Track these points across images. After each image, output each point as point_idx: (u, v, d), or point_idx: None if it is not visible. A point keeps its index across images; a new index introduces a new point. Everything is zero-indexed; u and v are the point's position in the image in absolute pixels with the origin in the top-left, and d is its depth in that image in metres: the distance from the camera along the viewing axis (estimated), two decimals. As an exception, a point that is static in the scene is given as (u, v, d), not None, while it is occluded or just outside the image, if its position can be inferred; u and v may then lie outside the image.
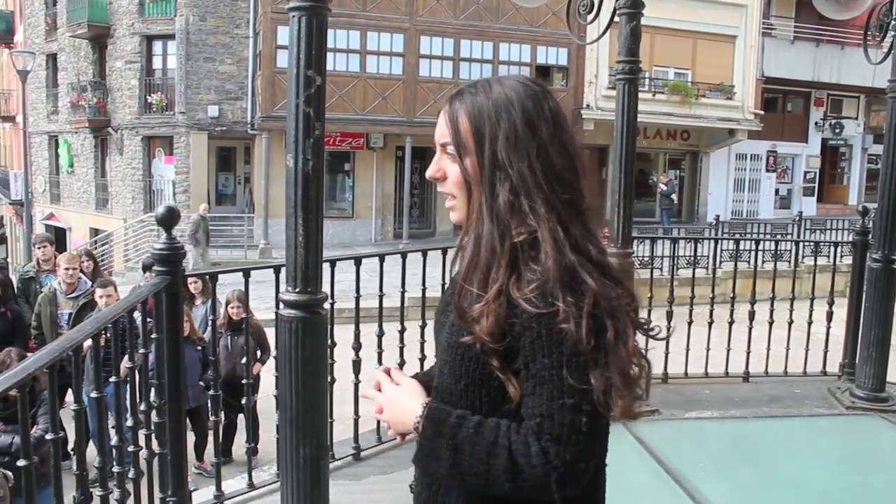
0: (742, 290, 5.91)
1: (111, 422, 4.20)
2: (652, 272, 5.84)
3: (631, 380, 1.35)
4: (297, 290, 2.80)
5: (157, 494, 3.22)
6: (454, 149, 1.44)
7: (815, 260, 6.24)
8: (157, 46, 22.55)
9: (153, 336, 3.14)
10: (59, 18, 25.05)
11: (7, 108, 34.70)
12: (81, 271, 7.36)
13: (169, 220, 3.12)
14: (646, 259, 8.67)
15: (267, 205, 19.79)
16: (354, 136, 21.36)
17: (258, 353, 6.86)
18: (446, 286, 1.63)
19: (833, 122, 28.25)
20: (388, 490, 3.96)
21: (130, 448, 2.97)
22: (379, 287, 4.26)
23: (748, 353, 5.83)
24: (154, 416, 3.17)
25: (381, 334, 4.28)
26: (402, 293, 4.43)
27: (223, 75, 21.63)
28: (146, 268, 7.89)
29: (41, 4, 26.74)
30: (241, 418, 6.67)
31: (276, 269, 3.68)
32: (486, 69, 21.02)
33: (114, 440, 2.80)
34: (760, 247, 6.44)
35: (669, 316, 5.63)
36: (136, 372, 3.06)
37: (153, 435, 3.20)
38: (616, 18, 4.71)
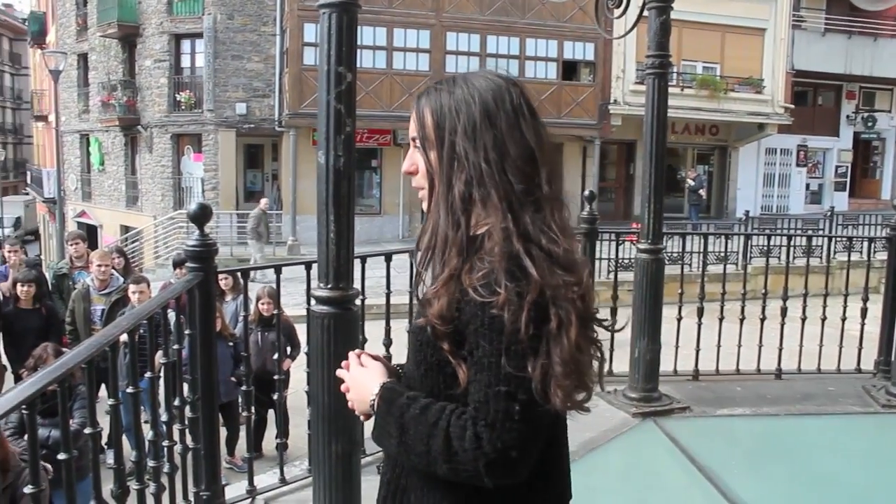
0: (773, 287, 5.84)
1: (144, 417, 4.26)
2: (682, 268, 5.77)
3: (574, 369, 1.35)
4: (329, 286, 2.81)
5: (191, 488, 3.26)
6: (419, 143, 1.51)
7: (849, 255, 6.17)
8: (186, 45, 22.75)
9: (186, 332, 3.17)
10: (90, 19, 25.37)
11: (40, 108, 35.29)
12: (113, 268, 7.45)
13: (201, 217, 3.15)
14: (675, 255, 8.61)
15: (295, 201, 19.88)
16: (381, 132, 21.40)
17: (288, 348, 6.90)
18: None
19: (865, 115, 27.80)
20: (418, 486, 3.96)
21: (165, 443, 3.00)
22: (409, 283, 4.27)
23: (780, 350, 5.76)
24: (188, 412, 3.20)
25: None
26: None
27: (251, 73, 21.77)
28: (176, 264, 7.96)
29: (72, 5, 27.10)
30: (271, 414, 6.72)
31: (308, 266, 3.69)
32: (512, 65, 20.95)
33: (149, 435, 2.84)
34: (792, 242, 6.35)
35: (700, 312, 5.59)
36: (171, 367, 3.10)
37: (187, 430, 3.24)
38: (645, 13, 4.67)
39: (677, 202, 23.80)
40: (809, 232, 15.77)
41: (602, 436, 4.53)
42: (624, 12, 4.76)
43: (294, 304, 8.03)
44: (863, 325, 5.86)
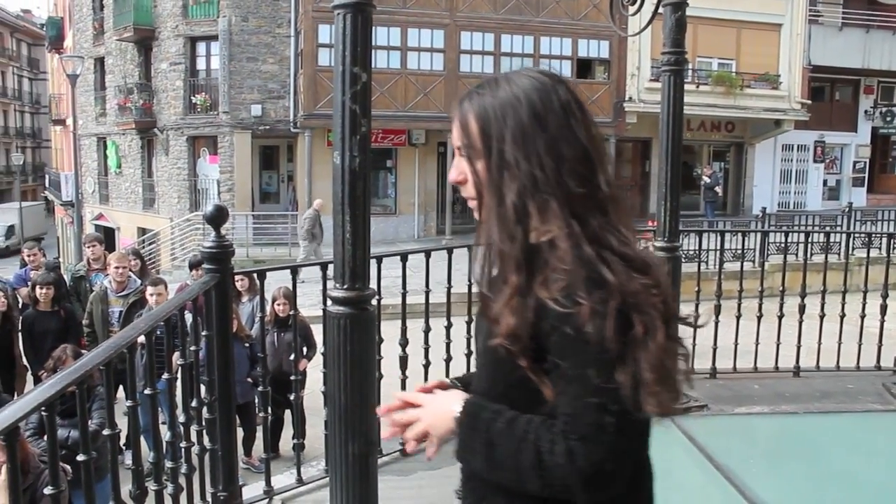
0: (791, 284, 5.80)
1: (161, 418, 4.28)
2: (699, 266, 5.74)
3: (664, 374, 1.31)
4: (346, 286, 2.81)
5: (209, 489, 3.28)
6: (465, 152, 1.43)
7: (868, 252, 6.10)
8: (201, 47, 22.88)
9: (203, 333, 3.18)
10: (106, 23, 25.57)
11: (58, 112, 35.59)
12: (130, 270, 7.50)
13: (218, 218, 3.17)
14: (691, 252, 8.56)
15: (310, 202, 19.92)
16: (396, 132, 21.43)
17: (304, 349, 6.92)
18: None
19: (884, 110, 27.57)
20: (436, 486, 3.96)
21: (183, 444, 3.02)
22: (425, 283, 4.27)
23: (798, 348, 5.72)
24: (205, 412, 3.21)
25: (427, 330, 4.29)
26: (448, 289, 4.43)
27: (265, 75, 21.86)
28: (192, 266, 8.00)
29: (89, 10, 27.31)
30: (287, 414, 6.74)
31: (324, 267, 3.70)
32: (527, 63, 20.77)
33: (167, 436, 2.85)
34: (810, 239, 6.31)
35: (717, 310, 5.56)
36: (188, 369, 3.11)
37: (204, 431, 3.25)
38: (660, 10, 4.65)
39: (693, 199, 23.66)
40: (827, 228, 15.66)
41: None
42: (639, 9, 4.73)
43: (309, 305, 8.06)
44: (882, 322, 5.81)
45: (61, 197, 31.43)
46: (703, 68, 23.05)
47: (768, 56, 23.75)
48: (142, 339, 2.57)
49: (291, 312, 4.23)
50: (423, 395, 1.50)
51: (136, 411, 2.42)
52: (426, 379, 4.30)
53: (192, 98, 22.54)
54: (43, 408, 1.79)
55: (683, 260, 5.19)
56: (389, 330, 4.16)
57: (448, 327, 4.41)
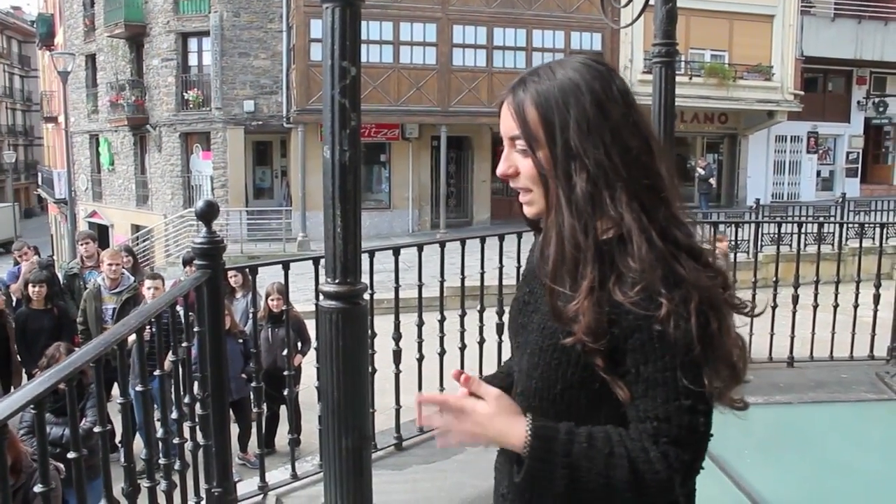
0: (784, 275, 5.80)
1: (157, 415, 4.27)
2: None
3: (737, 369, 1.31)
4: (337, 281, 2.80)
5: (203, 485, 3.27)
6: (525, 142, 1.35)
7: (860, 242, 6.12)
8: (193, 43, 22.80)
9: (195, 329, 3.17)
10: (97, 19, 25.46)
11: (50, 109, 35.46)
12: (123, 267, 7.48)
13: (208, 214, 3.15)
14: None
15: (304, 197, 19.91)
16: (389, 126, 21.40)
17: (299, 344, 6.91)
18: (518, 285, 1.57)
19: (876, 100, 27.61)
20: (430, 479, 3.97)
21: (176, 440, 3.01)
22: (418, 277, 4.27)
23: (792, 338, 5.73)
24: (198, 409, 3.21)
25: (420, 324, 4.29)
26: (441, 283, 4.42)
27: (258, 70, 21.80)
28: (186, 262, 7.99)
29: (79, 6, 27.20)
30: (283, 410, 6.73)
31: (316, 261, 3.69)
32: (519, 57, 20.91)
33: (159, 433, 2.85)
34: (803, 230, 6.32)
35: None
36: (180, 365, 3.10)
37: (197, 427, 3.25)
38: (651, 1, 4.64)
39: (687, 191, 23.68)
40: (821, 219, 15.69)
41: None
42: (630, 1, 4.73)
43: (304, 300, 8.05)
44: (875, 311, 5.82)
45: (54, 194, 31.35)
46: (695, 60, 23.05)
47: (761, 47, 23.75)
48: (133, 337, 2.55)
49: (285, 308, 4.22)
50: (470, 401, 1.35)
51: (128, 408, 2.41)
52: (420, 374, 4.31)
53: (185, 94, 22.47)
54: (32, 405, 1.78)
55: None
56: (384, 324, 4.16)
57: (441, 321, 4.41)
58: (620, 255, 1.27)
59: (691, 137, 25.63)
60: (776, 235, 6.36)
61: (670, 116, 4.68)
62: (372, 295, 3.78)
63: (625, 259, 1.26)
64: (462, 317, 4.46)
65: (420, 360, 4.30)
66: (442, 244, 4.44)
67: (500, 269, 4.68)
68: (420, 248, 4.32)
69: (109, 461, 2.23)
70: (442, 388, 4.40)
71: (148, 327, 2.97)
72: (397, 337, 4.21)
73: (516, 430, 1.30)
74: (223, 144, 21.92)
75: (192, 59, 22.98)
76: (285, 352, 4.16)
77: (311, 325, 6.02)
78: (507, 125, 1.38)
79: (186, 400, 3.18)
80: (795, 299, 5.64)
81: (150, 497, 2.61)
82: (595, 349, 1.28)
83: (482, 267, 4.57)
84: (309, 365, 5.56)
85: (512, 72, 20.09)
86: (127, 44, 24.13)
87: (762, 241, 9.56)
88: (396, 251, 4.25)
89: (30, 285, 7.06)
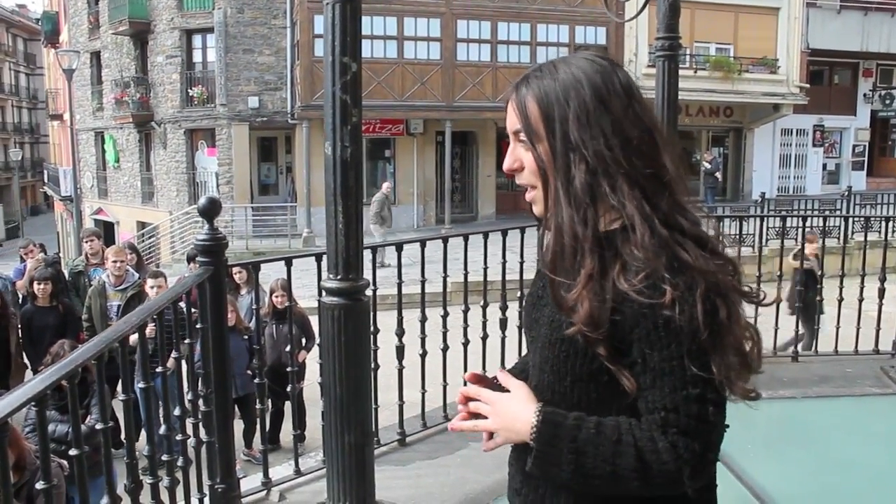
0: (789, 268, 5.79)
1: (161, 411, 4.28)
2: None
3: (748, 357, 1.31)
4: (339, 277, 2.81)
5: (206, 482, 3.28)
6: (525, 136, 1.38)
7: (866, 236, 6.08)
8: (197, 40, 22.81)
9: (198, 326, 3.18)
10: (102, 16, 25.49)
11: (55, 107, 35.55)
12: (128, 264, 7.49)
13: (211, 211, 3.16)
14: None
15: (309, 193, 19.91)
16: (394, 122, 21.39)
17: (303, 340, 6.92)
18: (533, 280, 1.59)
19: (883, 93, 27.50)
20: (433, 475, 3.97)
21: (179, 437, 3.02)
22: (421, 272, 4.27)
23: (797, 332, 5.72)
24: (201, 405, 3.21)
25: (423, 320, 4.29)
26: (445, 278, 4.42)
27: (262, 66, 21.79)
28: (190, 259, 8.00)
29: (84, 4, 27.23)
30: (287, 406, 6.75)
31: (318, 257, 3.69)
32: (524, 51, 20.87)
33: (162, 429, 2.85)
34: (808, 223, 6.30)
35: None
36: (183, 362, 3.11)
37: (200, 423, 3.25)
38: (654, -6, 4.62)
39: (693, 185, 23.64)
40: (826, 212, 15.62)
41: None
42: (632, -5, 4.71)
43: (309, 296, 8.05)
44: (880, 305, 5.80)
45: (60, 192, 31.42)
46: (700, 53, 22.98)
47: (766, 40, 23.66)
48: (135, 337, 2.55)
49: (288, 304, 4.23)
50: (490, 393, 1.43)
51: (131, 405, 2.42)
52: (423, 370, 4.31)
53: (189, 91, 22.49)
54: (33, 402, 1.79)
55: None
56: (387, 320, 4.16)
57: (444, 317, 4.41)
58: (624, 244, 1.28)
59: (696, 131, 25.57)
60: (781, 229, 6.33)
61: (673, 109, 4.67)
62: (375, 291, 3.79)
63: (628, 248, 1.27)
64: (465, 312, 4.45)
65: (423, 355, 4.30)
66: (445, 240, 4.44)
67: (504, 264, 4.68)
68: (423, 243, 4.32)
69: (112, 458, 2.24)
70: (445, 384, 4.40)
71: (151, 324, 2.97)
72: (400, 333, 4.21)
73: (526, 414, 1.34)
74: (228, 141, 21.94)
75: (197, 56, 23.00)
76: (289, 348, 4.16)
77: (314, 322, 6.05)
78: (511, 120, 1.40)
79: (189, 396, 3.18)
80: (801, 294, 5.63)
81: (153, 493, 2.62)
82: (596, 338, 1.28)
83: (485, 262, 4.56)
84: (313, 361, 5.57)
85: (516, 66, 20.08)
86: (131, 41, 24.16)
87: (767, 234, 9.54)
88: (399, 247, 4.25)
89: (35, 282, 7.07)
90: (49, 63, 38.24)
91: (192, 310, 3.19)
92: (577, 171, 1.31)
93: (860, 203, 18.78)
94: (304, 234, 19.70)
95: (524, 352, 1.67)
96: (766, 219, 6.99)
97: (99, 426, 2.16)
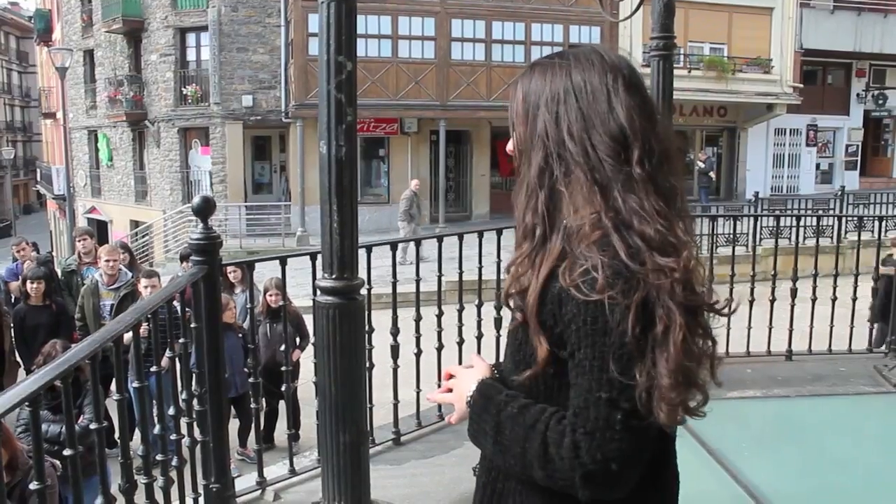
0: (783, 268, 5.80)
1: (156, 411, 4.27)
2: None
3: (683, 378, 1.22)
4: (334, 276, 2.81)
5: (201, 481, 3.27)
6: (510, 120, 1.44)
7: (859, 235, 6.10)
8: (191, 38, 22.75)
9: (192, 325, 3.16)
10: (95, 14, 25.39)
11: (48, 105, 35.39)
12: (120, 263, 7.47)
13: (205, 210, 3.15)
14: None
15: (303, 192, 19.87)
16: (388, 121, 21.37)
17: (297, 339, 6.91)
18: None
19: (876, 93, 27.56)
20: (428, 474, 3.97)
21: (173, 436, 3.00)
22: (415, 271, 4.26)
23: (791, 331, 5.73)
24: (195, 405, 3.20)
25: (418, 318, 4.28)
26: (439, 277, 4.42)
27: (256, 65, 21.75)
28: (183, 258, 7.98)
29: (77, 1, 27.12)
30: (282, 405, 6.73)
31: (313, 256, 3.68)
32: (518, 50, 20.86)
33: (156, 429, 2.84)
34: (802, 223, 6.31)
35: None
36: (177, 361, 3.10)
37: (195, 423, 3.24)
38: (649, -6, 4.62)
39: (686, 185, 23.66)
40: (819, 212, 15.67)
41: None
42: (627, -6, 4.71)
43: (303, 295, 8.05)
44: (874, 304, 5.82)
45: (53, 190, 31.32)
46: (694, 53, 23.01)
47: (760, 40, 23.71)
48: (129, 335, 2.54)
49: (282, 303, 4.22)
50: (459, 369, 1.55)
51: (125, 405, 2.41)
52: (418, 369, 4.31)
53: (183, 89, 22.43)
54: (26, 403, 1.78)
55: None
56: (382, 319, 4.15)
57: (439, 316, 4.40)
58: (575, 238, 1.28)
59: (690, 131, 25.58)
60: (775, 229, 6.34)
61: (668, 109, 4.68)
62: (370, 290, 3.79)
63: (576, 243, 1.27)
64: (460, 311, 4.45)
65: (418, 354, 4.30)
66: (440, 239, 4.43)
67: (499, 263, 4.67)
68: (418, 242, 4.31)
69: (106, 458, 2.23)
70: (440, 384, 4.39)
71: (145, 323, 2.96)
72: (395, 332, 4.21)
73: (470, 384, 1.44)
74: (222, 139, 21.89)
75: (191, 55, 22.93)
76: (284, 347, 4.15)
77: (309, 321, 6.03)
78: (510, 107, 1.46)
79: (184, 396, 3.17)
80: (794, 293, 5.64)
81: (148, 493, 2.61)
82: (536, 328, 1.30)
83: (480, 261, 4.56)
84: (307, 360, 5.56)
85: (511, 66, 20.08)
86: (125, 39, 24.08)
87: (761, 234, 9.56)
88: (394, 246, 4.24)
89: (28, 281, 7.05)
90: (42, 61, 38.07)
91: (186, 309, 3.18)
92: (534, 156, 1.35)
93: (853, 203, 18.81)
94: (298, 233, 19.67)
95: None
96: (760, 218, 7.00)
97: (93, 426, 2.15)
